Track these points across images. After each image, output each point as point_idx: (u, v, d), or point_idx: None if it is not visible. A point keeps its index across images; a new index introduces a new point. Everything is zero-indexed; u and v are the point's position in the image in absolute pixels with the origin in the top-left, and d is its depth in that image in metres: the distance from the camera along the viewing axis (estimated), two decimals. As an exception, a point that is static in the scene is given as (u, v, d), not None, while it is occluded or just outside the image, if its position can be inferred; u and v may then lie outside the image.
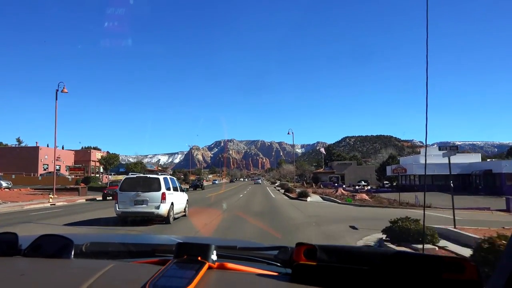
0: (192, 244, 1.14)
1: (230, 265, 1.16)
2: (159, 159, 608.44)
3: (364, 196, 29.45)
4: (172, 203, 12.83)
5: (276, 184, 79.05)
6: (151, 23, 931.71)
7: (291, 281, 1.01)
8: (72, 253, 1.21)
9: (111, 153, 77.67)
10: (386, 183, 66.89)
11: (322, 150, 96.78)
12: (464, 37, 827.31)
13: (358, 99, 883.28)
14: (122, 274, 1.04)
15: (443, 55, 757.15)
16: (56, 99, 31.47)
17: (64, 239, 1.24)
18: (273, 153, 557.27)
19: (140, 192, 12.44)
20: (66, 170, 55.92)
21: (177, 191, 14.16)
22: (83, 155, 63.07)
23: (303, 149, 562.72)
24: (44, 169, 53.80)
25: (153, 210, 12.22)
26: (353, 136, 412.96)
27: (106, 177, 57.60)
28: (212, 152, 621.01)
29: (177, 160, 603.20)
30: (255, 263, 1.28)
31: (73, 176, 48.42)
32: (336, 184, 66.70)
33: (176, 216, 13.59)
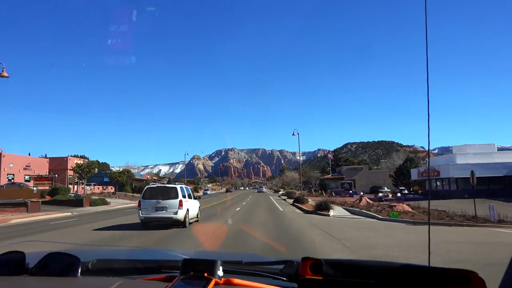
0: (198, 260, 1.15)
1: (237, 280, 1.16)
2: (160, 169, 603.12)
3: (406, 207, 21.40)
4: (187, 209, 14.29)
5: (281, 193, 72.68)
6: (152, 33, 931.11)
7: None
8: (79, 271, 1.22)
9: (95, 160, 69.61)
10: (402, 189, 59.38)
11: (330, 155, 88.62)
12: (466, 39, 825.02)
13: (358, 105, 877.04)
14: None
15: (444, 58, 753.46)
16: None
17: (71, 257, 1.25)
18: (274, 161, 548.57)
19: (160, 200, 13.81)
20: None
21: (191, 198, 15.60)
22: (59, 163, 54.83)
23: (304, 156, 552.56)
24: (9, 180, 45.74)
25: (172, 215, 13.60)
26: (354, 142, 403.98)
27: (82, 188, 49.58)
28: (213, 162, 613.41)
29: (178, 170, 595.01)
30: (261, 278, 1.27)
31: (39, 188, 40.36)
32: (350, 191, 58.46)
33: (191, 221, 15.08)
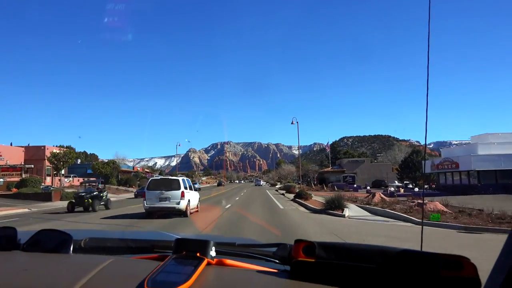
0: (191, 240, 1.15)
1: (229, 261, 1.16)
2: (156, 162, 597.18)
3: (439, 205, 16.91)
4: (189, 200, 15.18)
5: (278, 186, 67.88)
6: (149, 24, 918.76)
7: (290, 277, 1.02)
8: (71, 248, 1.22)
9: (73, 149, 64.62)
10: (407, 183, 54.91)
11: (327, 147, 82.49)
12: (465, 34, 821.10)
13: (355, 99, 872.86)
14: (121, 269, 1.05)
15: (441, 53, 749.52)
16: None
17: (63, 234, 1.25)
18: (270, 155, 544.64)
19: (163, 191, 14.65)
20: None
21: (192, 190, 16.47)
22: (35, 152, 49.93)
23: (300, 150, 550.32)
24: (-28, 171, 40.76)
25: (174, 205, 14.45)
26: (351, 136, 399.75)
27: (59, 180, 44.90)
28: (209, 155, 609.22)
29: (173, 163, 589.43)
30: (254, 260, 1.26)
31: (6, 179, 35.62)
32: (355, 185, 54.04)
33: (192, 211, 15.81)
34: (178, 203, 14.49)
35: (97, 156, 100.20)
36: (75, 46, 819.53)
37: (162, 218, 14.05)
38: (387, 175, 64.43)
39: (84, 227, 11.10)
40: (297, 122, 40.42)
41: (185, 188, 15.19)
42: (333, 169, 72.24)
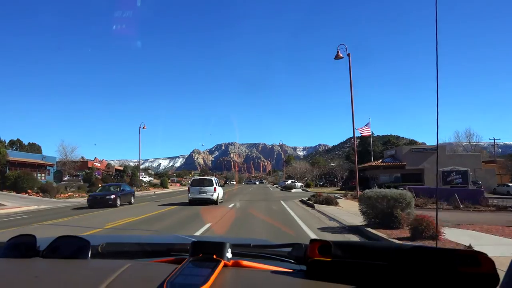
0: (207, 243, 1.18)
1: (245, 262, 1.18)
2: (160, 163, 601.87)
3: None
4: (218, 193, 20.92)
5: (294, 191, 46.93)
6: (154, 27, 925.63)
7: (306, 277, 1.02)
8: (89, 253, 1.25)
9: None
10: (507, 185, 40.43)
11: (365, 131, 47.39)
12: (467, 35, 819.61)
13: (359, 100, 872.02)
14: (139, 273, 1.06)
15: (442, 52, 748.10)
16: None
17: (81, 240, 1.28)
18: (275, 156, 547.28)
19: (202, 187, 20.54)
20: None
21: (219, 186, 22.05)
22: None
23: (304, 151, 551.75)
24: None
25: (209, 197, 20.27)
26: (358, 137, 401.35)
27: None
28: (213, 156, 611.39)
29: (178, 164, 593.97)
30: (269, 261, 1.28)
31: None
32: (478, 190, 24.43)
33: (219, 201, 21.23)
34: (212, 195, 20.22)
35: (40, 147, 69.89)
36: (81, 47, 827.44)
37: (202, 205, 19.25)
38: (475, 172, 40.69)
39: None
40: (348, 55, 23.46)
41: (216, 185, 20.92)
42: (385, 163, 47.43)
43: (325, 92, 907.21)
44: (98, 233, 10.12)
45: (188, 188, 21.32)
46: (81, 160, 63.96)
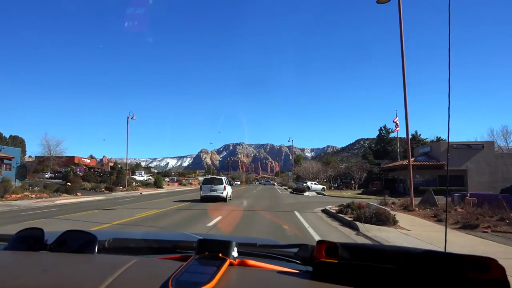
0: (213, 241, 1.16)
1: (251, 262, 1.17)
2: (168, 163, 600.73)
3: None
4: (227, 191, 22.87)
5: (307, 194, 39.82)
6: (163, 26, 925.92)
7: (312, 278, 1.01)
8: (96, 248, 1.26)
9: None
10: None
11: (396, 120, 42.78)
12: (467, 31, 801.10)
13: (366, 102, 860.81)
14: (145, 269, 1.06)
15: (440, 51, 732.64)
16: None
17: (88, 234, 1.29)
18: (283, 157, 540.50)
19: (213, 185, 22.31)
20: None
21: (228, 185, 24.21)
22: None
23: (313, 153, 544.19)
24: None
25: (220, 194, 21.97)
26: (367, 138, 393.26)
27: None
28: (221, 156, 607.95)
29: (185, 164, 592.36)
30: (275, 261, 1.28)
31: None
32: None
33: (228, 199, 23.12)
34: (222, 193, 22.08)
35: (23, 140, 71.41)
36: (84, 46, 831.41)
37: (212, 202, 21.47)
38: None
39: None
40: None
41: (226, 183, 22.91)
42: (419, 162, 38.43)
43: (334, 94, 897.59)
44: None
45: (200, 186, 23.33)
46: (66, 157, 57.60)
